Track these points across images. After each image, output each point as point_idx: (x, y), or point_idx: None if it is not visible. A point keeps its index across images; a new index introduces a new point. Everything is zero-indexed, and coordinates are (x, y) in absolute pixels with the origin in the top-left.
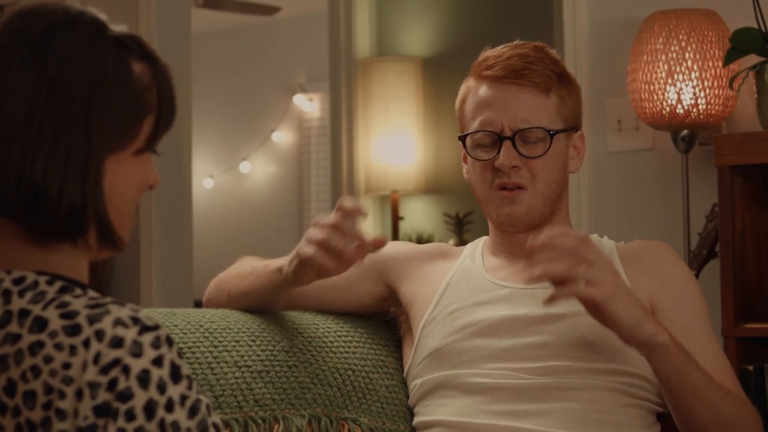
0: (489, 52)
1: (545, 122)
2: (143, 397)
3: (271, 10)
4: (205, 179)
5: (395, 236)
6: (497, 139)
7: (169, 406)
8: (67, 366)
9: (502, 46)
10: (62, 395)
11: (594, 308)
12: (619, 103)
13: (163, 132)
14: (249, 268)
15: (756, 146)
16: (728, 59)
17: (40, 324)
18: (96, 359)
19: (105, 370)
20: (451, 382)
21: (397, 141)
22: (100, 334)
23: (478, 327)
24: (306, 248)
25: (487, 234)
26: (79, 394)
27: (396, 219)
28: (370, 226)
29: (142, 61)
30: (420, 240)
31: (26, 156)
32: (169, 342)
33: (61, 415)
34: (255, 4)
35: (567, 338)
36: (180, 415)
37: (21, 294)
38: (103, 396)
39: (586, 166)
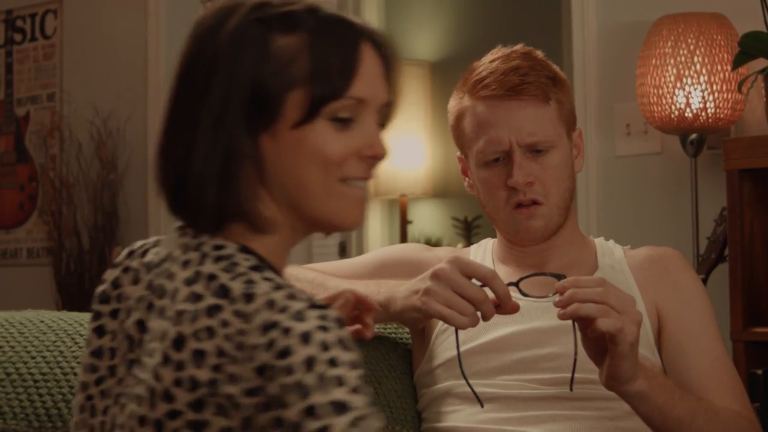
0: (481, 69)
1: (551, 131)
2: (303, 353)
3: None
4: None
5: (403, 240)
6: (506, 157)
7: (333, 362)
8: (241, 333)
9: (489, 57)
10: (234, 360)
11: (609, 343)
12: (628, 107)
13: (330, 99)
14: (331, 290)
15: (765, 150)
16: (737, 63)
17: (224, 291)
18: (263, 325)
19: (265, 330)
20: (461, 390)
21: (406, 145)
22: (271, 303)
23: (490, 340)
24: (436, 305)
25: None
26: (248, 359)
27: (404, 223)
28: (377, 232)
29: (288, 34)
30: (428, 244)
31: (187, 151)
32: (339, 323)
33: (233, 379)
34: None
35: (579, 349)
36: (345, 371)
37: (216, 260)
38: (262, 357)
39: (595, 170)
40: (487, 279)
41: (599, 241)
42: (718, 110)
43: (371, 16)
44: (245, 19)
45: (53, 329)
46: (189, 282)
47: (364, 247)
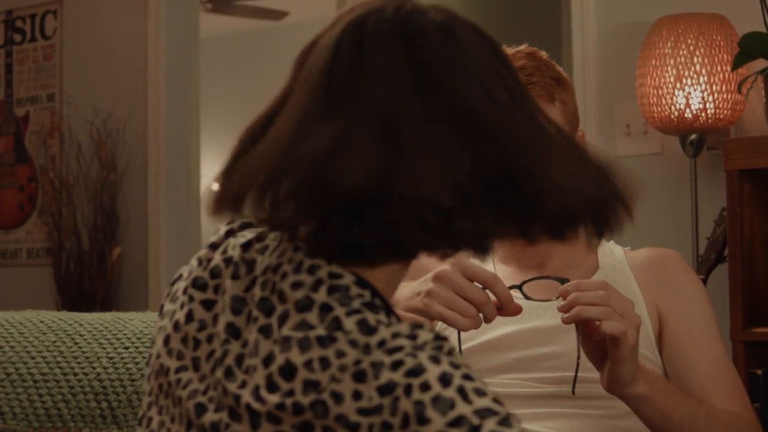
0: None
1: None
2: (436, 371)
3: (280, 15)
4: (214, 184)
5: None
6: None
7: (468, 377)
8: (358, 361)
9: None
10: (339, 380)
11: (610, 346)
12: (628, 107)
13: None
14: None
15: (764, 150)
16: (737, 63)
17: (337, 324)
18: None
19: (390, 352)
20: None
21: None
22: (396, 335)
23: (491, 338)
24: (438, 307)
25: None
26: (359, 376)
27: None
28: None
29: None
30: None
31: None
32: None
33: (339, 398)
34: (263, 9)
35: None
36: (482, 384)
37: (330, 291)
38: (387, 375)
39: None
40: (489, 282)
41: (600, 242)
42: (717, 111)
43: None
44: None
45: (53, 329)
46: (301, 309)
47: None
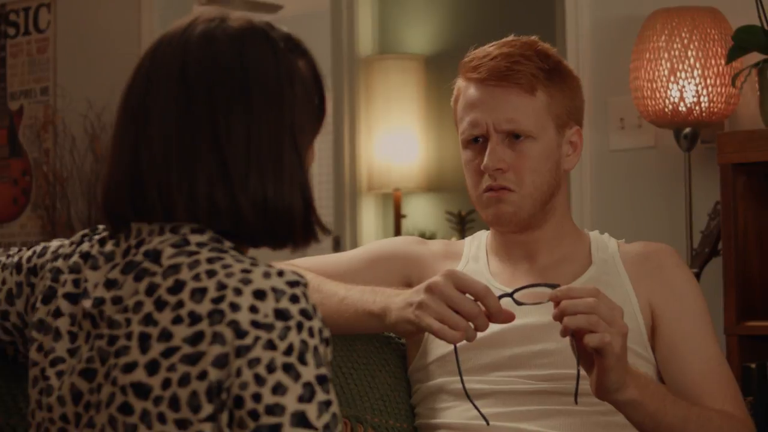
0: (476, 52)
1: (531, 123)
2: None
3: (274, 8)
4: None
5: (398, 234)
6: (485, 140)
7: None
8: (246, 271)
9: (491, 43)
10: (239, 292)
11: (595, 355)
12: (622, 101)
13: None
14: (326, 294)
15: (758, 144)
16: (731, 57)
17: (220, 249)
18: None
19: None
20: (454, 387)
21: (400, 139)
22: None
23: (484, 337)
24: (429, 320)
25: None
26: (259, 294)
27: (398, 217)
28: (372, 226)
29: (303, 59)
30: (422, 238)
31: (263, 179)
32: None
33: (236, 308)
34: (257, 2)
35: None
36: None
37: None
38: (285, 303)
39: (589, 165)
40: (480, 295)
41: (594, 235)
42: (711, 104)
43: (365, 11)
44: None
45: None
46: (177, 245)
47: (359, 241)
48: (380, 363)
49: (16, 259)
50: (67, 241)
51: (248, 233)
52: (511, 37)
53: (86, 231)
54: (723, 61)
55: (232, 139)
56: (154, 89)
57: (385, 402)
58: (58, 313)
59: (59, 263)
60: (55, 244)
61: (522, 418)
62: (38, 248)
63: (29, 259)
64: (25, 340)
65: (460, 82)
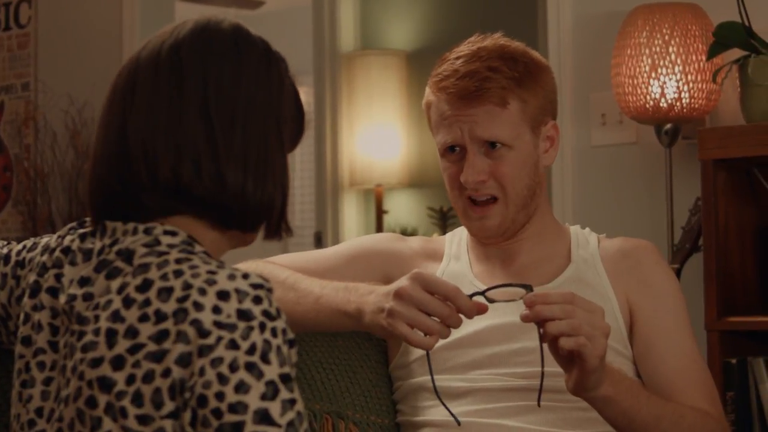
0: (443, 67)
1: (507, 133)
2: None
3: (255, 4)
4: None
5: (379, 230)
6: (461, 150)
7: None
8: (211, 272)
9: (458, 50)
10: (203, 292)
11: (575, 356)
12: (603, 97)
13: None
14: (302, 293)
15: (739, 140)
16: (712, 53)
17: (189, 251)
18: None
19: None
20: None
21: (381, 135)
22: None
23: (463, 335)
24: (401, 327)
25: None
26: (223, 295)
27: (380, 213)
28: (353, 222)
29: (287, 73)
30: (404, 234)
31: (247, 176)
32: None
33: (199, 307)
34: None
35: (547, 360)
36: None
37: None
38: (248, 304)
39: (570, 160)
40: (450, 296)
41: (575, 230)
42: (692, 100)
43: (347, 6)
44: None
45: None
46: (149, 245)
47: (340, 236)
48: (361, 359)
49: (5, 251)
50: (55, 236)
51: (226, 205)
52: (476, 39)
53: (74, 224)
54: (704, 57)
55: (220, 108)
56: (143, 66)
57: (367, 398)
58: (41, 307)
59: (45, 258)
60: (45, 239)
61: (503, 415)
62: (29, 243)
63: (18, 253)
64: (8, 331)
65: (429, 95)
